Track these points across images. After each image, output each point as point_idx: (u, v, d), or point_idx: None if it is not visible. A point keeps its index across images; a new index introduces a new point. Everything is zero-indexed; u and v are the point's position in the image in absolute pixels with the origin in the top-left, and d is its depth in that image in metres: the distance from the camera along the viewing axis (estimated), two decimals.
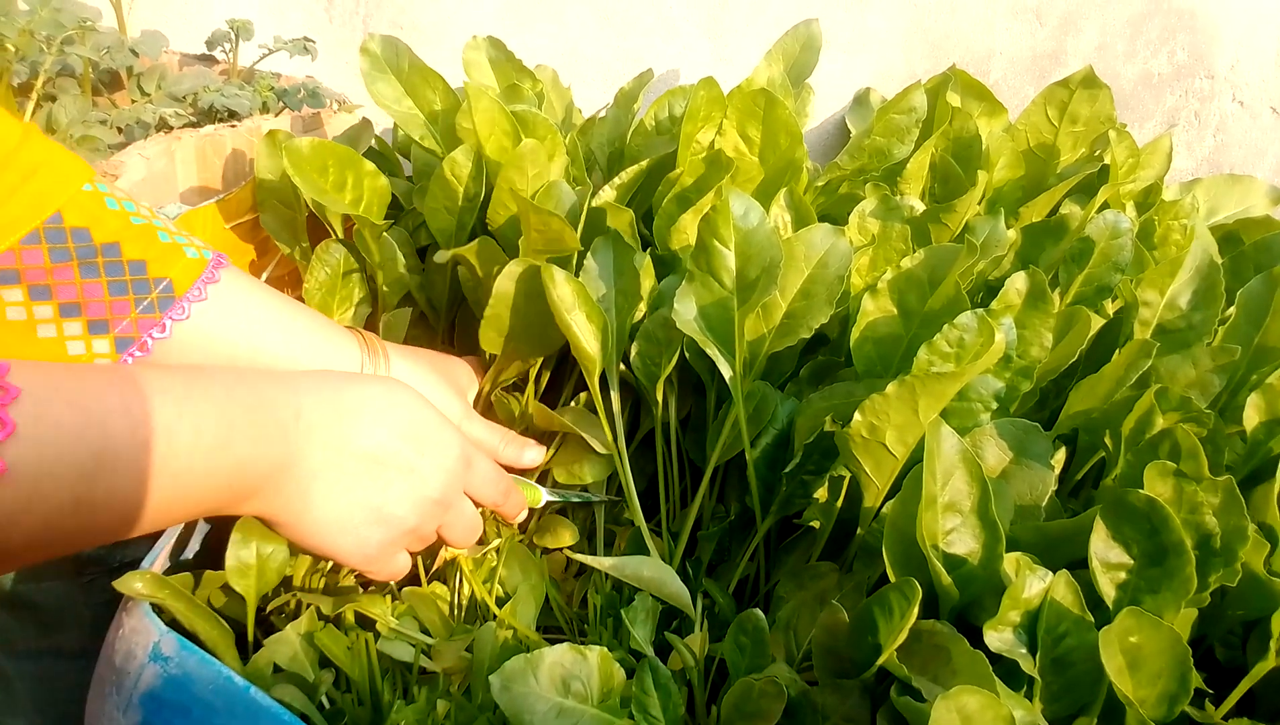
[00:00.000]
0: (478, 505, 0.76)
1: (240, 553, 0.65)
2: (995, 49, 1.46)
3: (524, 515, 0.83)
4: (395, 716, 0.64)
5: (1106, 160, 1.09)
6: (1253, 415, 0.71)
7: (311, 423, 0.61)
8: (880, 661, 0.58)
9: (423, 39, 1.43)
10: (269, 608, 0.71)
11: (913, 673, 0.60)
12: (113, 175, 0.83)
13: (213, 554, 0.80)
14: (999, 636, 0.58)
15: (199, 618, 0.61)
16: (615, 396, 0.81)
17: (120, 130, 0.97)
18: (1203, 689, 0.62)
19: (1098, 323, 0.88)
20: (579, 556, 0.81)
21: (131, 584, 0.58)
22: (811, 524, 0.77)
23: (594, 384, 0.78)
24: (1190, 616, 0.62)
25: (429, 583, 0.81)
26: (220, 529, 0.81)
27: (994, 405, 0.73)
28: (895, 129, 0.96)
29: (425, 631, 0.76)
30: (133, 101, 1.10)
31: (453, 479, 0.70)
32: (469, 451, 0.72)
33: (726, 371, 0.77)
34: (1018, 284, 0.74)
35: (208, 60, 1.28)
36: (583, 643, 0.80)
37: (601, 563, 0.80)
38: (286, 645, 0.66)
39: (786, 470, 0.77)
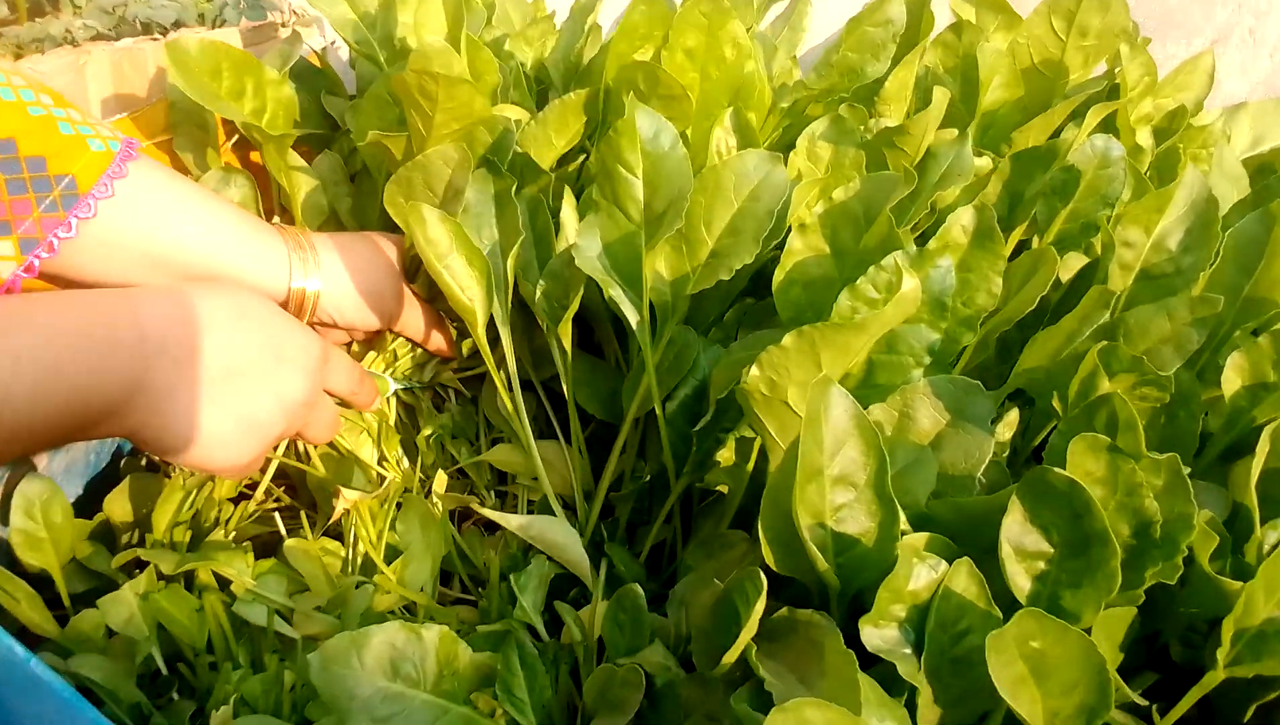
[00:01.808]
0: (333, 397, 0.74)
1: (25, 523, 0.59)
2: None
3: (377, 403, 0.80)
4: (223, 687, 0.58)
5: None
6: (1233, 378, 0.60)
7: (159, 340, 0.57)
8: (728, 659, 0.50)
9: None
10: (115, 563, 0.66)
11: (784, 668, 0.52)
12: None
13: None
14: (879, 633, 0.50)
15: None
16: (508, 347, 0.73)
17: (20, 47, 0.91)
18: (1136, 702, 0.53)
19: (1079, 265, 0.77)
20: (484, 511, 0.75)
21: None
22: (720, 489, 0.69)
23: (479, 336, 0.70)
24: (1126, 615, 0.53)
25: (321, 535, 0.76)
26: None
27: (926, 359, 0.63)
28: (869, 43, 0.85)
29: (305, 590, 0.70)
30: (62, 14, 1.04)
31: (315, 380, 0.67)
32: (326, 348, 0.69)
33: (633, 316, 0.68)
34: (963, 220, 0.64)
35: None
36: (477, 608, 0.74)
37: (509, 520, 0.73)
38: (122, 606, 0.61)
39: (697, 428, 0.68)
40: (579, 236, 0.67)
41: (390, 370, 0.84)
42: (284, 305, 0.73)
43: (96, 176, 0.65)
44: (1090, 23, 0.91)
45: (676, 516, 0.74)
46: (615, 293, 0.67)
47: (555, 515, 0.74)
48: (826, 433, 0.53)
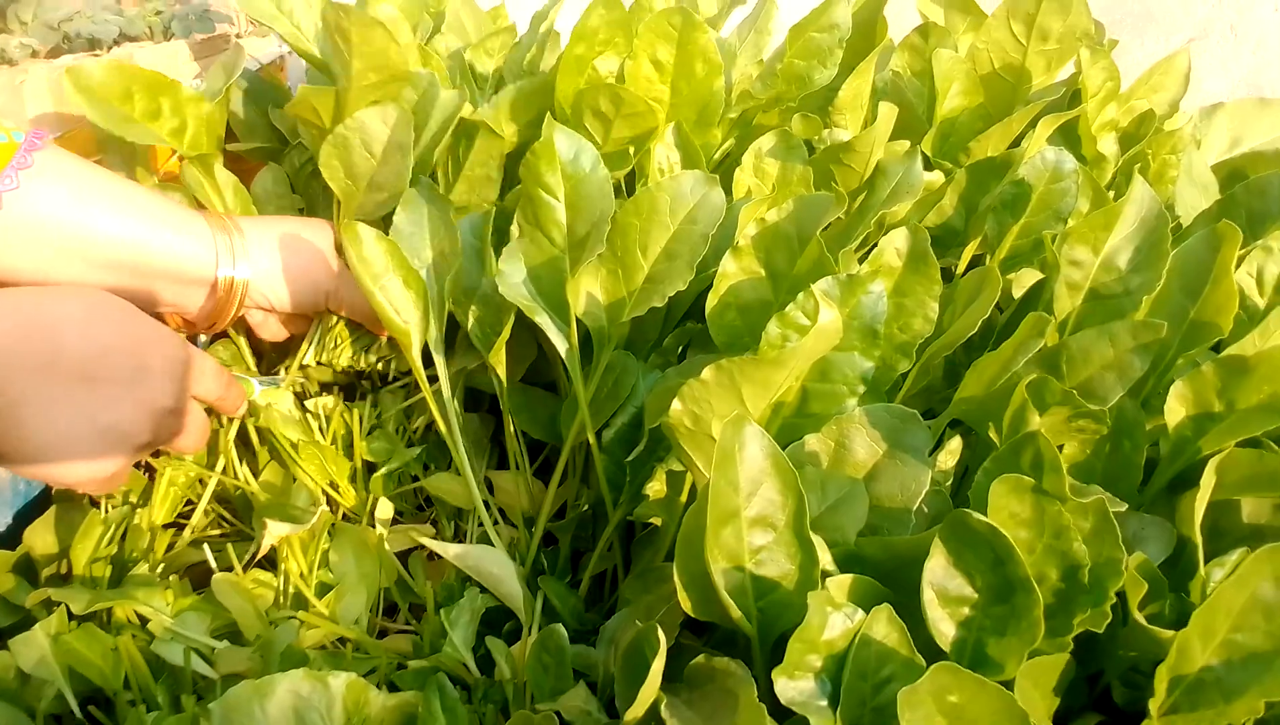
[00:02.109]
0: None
1: None
2: None
3: (243, 409, 0.78)
4: None
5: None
6: (1176, 408, 0.58)
7: (8, 349, 0.55)
8: (631, 714, 0.48)
9: None
10: (30, 601, 0.64)
11: (699, 718, 0.50)
12: None
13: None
14: (793, 685, 0.48)
15: None
16: (442, 372, 0.71)
17: None
18: None
19: (1033, 281, 0.74)
20: (423, 538, 0.73)
21: None
22: (654, 521, 0.67)
23: (413, 360, 0.68)
24: (1056, 662, 0.51)
25: (251, 568, 0.74)
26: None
27: (861, 388, 0.61)
28: (815, 50, 0.82)
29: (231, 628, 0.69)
30: (13, 31, 1.02)
31: (181, 386, 0.65)
32: (190, 351, 0.67)
33: (560, 344, 0.66)
34: (897, 242, 0.61)
35: None
36: (416, 637, 0.72)
37: (446, 549, 0.71)
38: (33, 648, 0.59)
39: (629, 458, 0.66)
40: (503, 263, 0.65)
41: (336, 353, 0.82)
42: (213, 293, 0.72)
43: (0, 168, 0.63)
44: (1051, 26, 0.88)
45: (617, 547, 0.72)
46: (542, 320, 0.65)
47: (494, 545, 0.72)
48: (741, 473, 0.51)
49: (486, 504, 0.82)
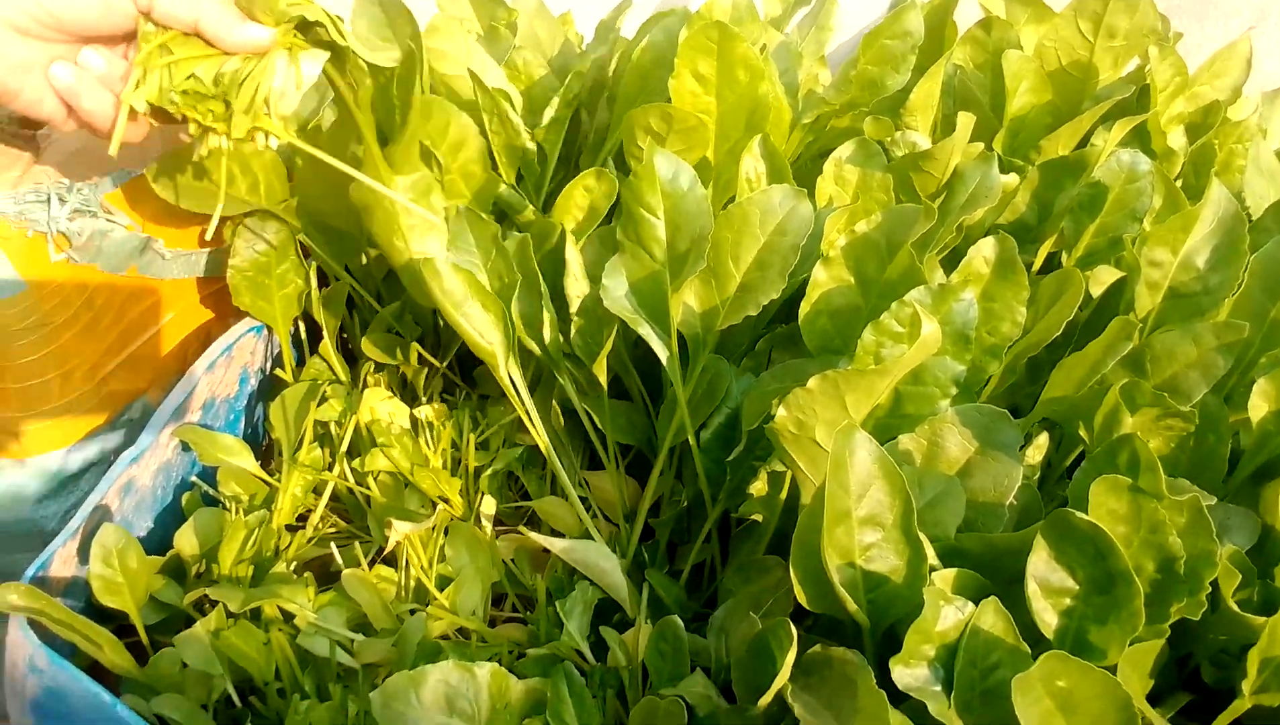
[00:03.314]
0: None
1: (103, 571, 0.63)
2: None
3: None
4: (293, 717, 0.62)
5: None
6: (1260, 404, 0.61)
7: None
8: (764, 701, 0.52)
9: None
10: (186, 600, 0.70)
11: (820, 704, 0.54)
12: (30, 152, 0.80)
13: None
14: (910, 672, 0.52)
15: (76, 628, 0.60)
16: (520, 382, 0.75)
17: None
18: None
19: (1111, 279, 0.77)
20: (530, 533, 0.78)
21: (6, 598, 0.58)
22: (755, 518, 0.71)
23: (503, 380, 0.73)
24: (1154, 648, 0.54)
25: (376, 565, 0.79)
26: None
27: (953, 390, 0.64)
28: (888, 56, 0.85)
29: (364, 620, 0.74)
30: None
31: None
32: None
33: (662, 353, 0.70)
34: (985, 251, 0.65)
35: None
36: (529, 627, 0.77)
37: (553, 544, 0.76)
38: (195, 644, 0.65)
39: (730, 458, 0.70)
40: (605, 278, 0.69)
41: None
42: None
43: None
44: (1118, 24, 0.90)
45: (715, 539, 0.77)
46: (644, 331, 0.69)
47: (595, 540, 0.77)
48: (852, 476, 0.55)
49: (586, 502, 0.87)
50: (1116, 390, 0.57)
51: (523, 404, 0.76)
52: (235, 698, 0.65)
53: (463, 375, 0.99)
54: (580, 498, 0.87)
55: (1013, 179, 0.80)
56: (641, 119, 0.79)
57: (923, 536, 0.57)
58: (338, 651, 0.69)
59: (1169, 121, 0.91)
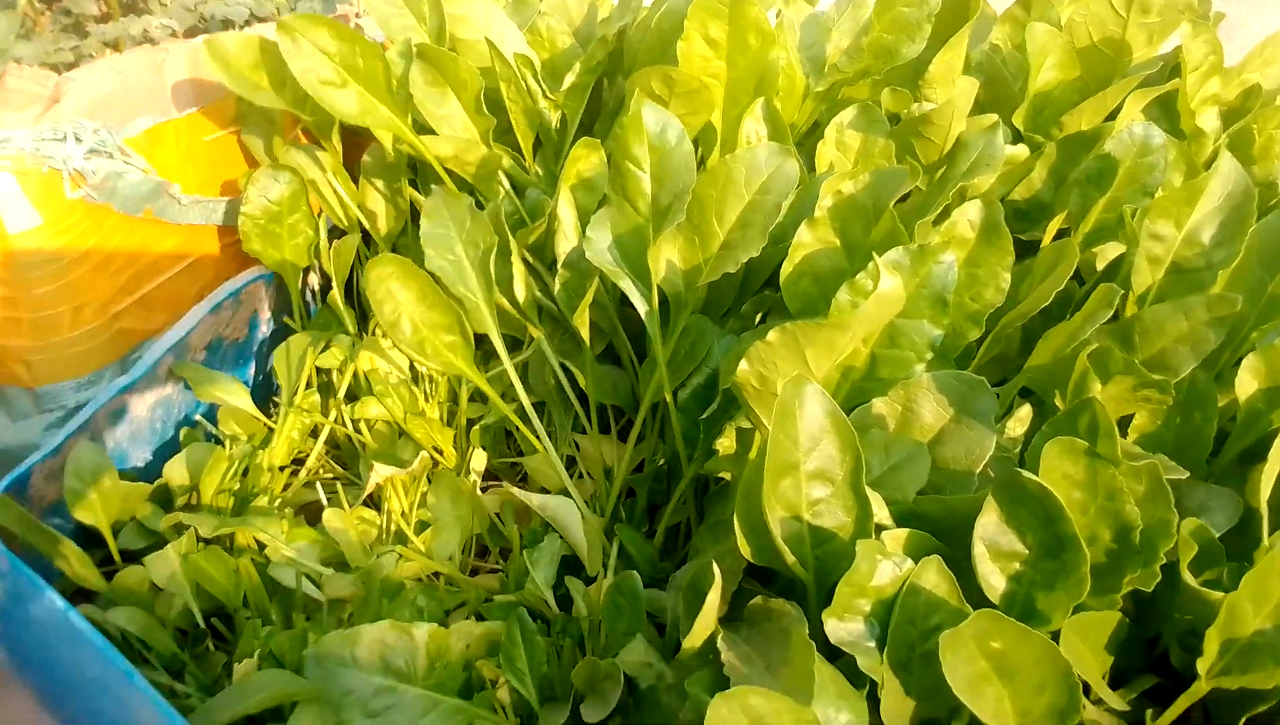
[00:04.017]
0: None
1: (75, 484, 0.65)
2: None
3: None
4: (250, 641, 0.63)
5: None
6: (1249, 381, 0.58)
7: None
8: (688, 644, 0.51)
9: None
10: (164, 524, 0.72)
11: (755, 653, 0.53)
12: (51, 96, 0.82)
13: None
14: (843, 626, 0.51)
15: (45, 540, 0.62)
16: (500, 345, 0.75)
17: (106, 45, 0.98)
18: (1115, 707, 0.52)
19: (1116, 254, 0.74)
20: (511, 488, 0.78)
21: None
22: (724, 475, 0.70)
23: (474, 376, 0.74)
24: (1107, 619, 0.52)
25: (358, 507, 0.80)
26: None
27: (929, 354, 0.62)
28: (903, 24, 0.83)
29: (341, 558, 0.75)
30: (154, 13, 1.11)
31: None
32: None
33: (642, 306, 0.70)
34: (970, 214, 0.63)
35: None
36: (503, 576, 0.77)
37: (530, 499, 0.76)
38: (164, 564, 0.67)
39: (703, 416, 0.70)
40: (590, 230, 0.69)
41: None
42: None
43: None
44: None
45: (690, 500, 0.76)
46: (625, 284, 0.69)
47: (572, 497, 0.76)
48: (801, 429, 0.53)
49: (572, 460, 0.87)
50: (1084, 356, 0.55)
51: (498, 393, 0.77)
52: (200, 619, 0.67)
53: None
54: (569, 457, 0.87)
55: (1022, 150, 0.78)
56: (644, 81, 0.78)
57: (876, 496, 0.56)
58: (305, 584, 0.69)
59: (1202, 102, 0.87)
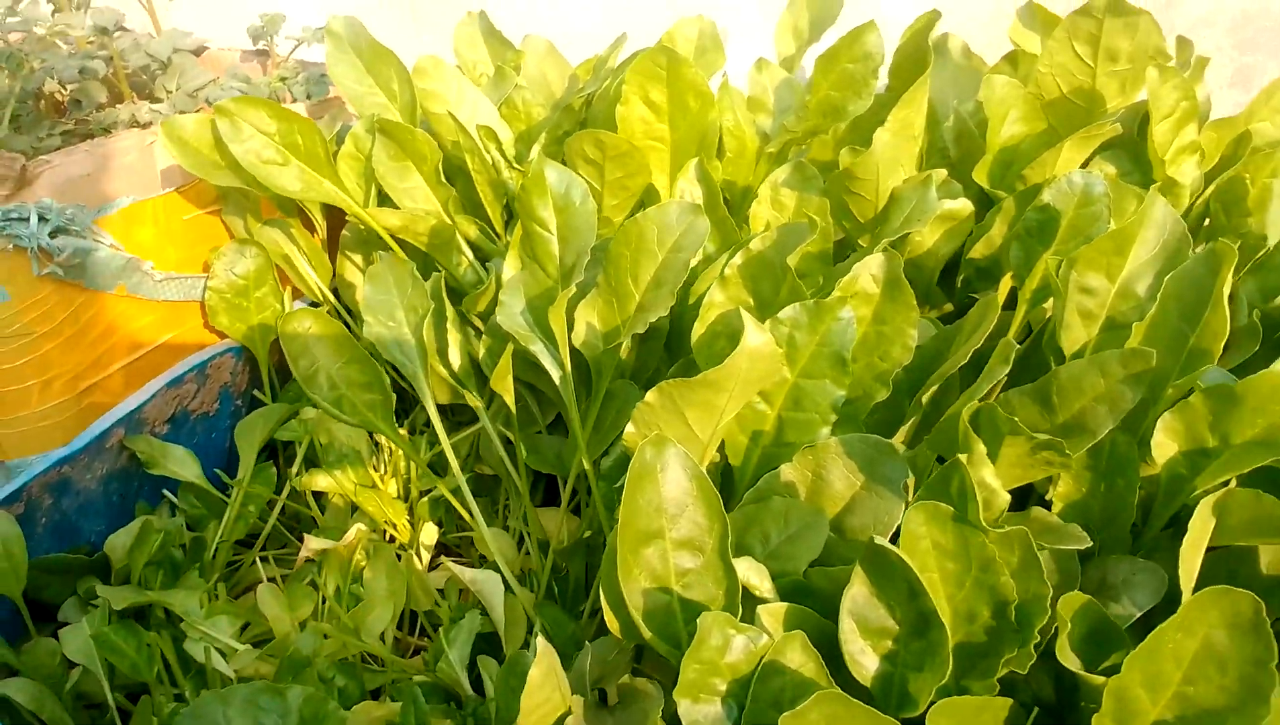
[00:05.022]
0: None
1: None
2: None
3: None
4: (147, 717, 0.62)
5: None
6: (1166, 443, 0.53)
7: None
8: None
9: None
10: (82, 589, 0.72)
11: None
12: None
13: None
14: (695, 708, 0.47)
15: None
16: (434, 416, 0.74)
17: (103, 130, 1.03)
18: None
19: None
20: (451, 565, 0.77)
21: None
22: None
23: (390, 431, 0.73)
24: (982, 705, 0.47)
25: (294, 580, 0.79)
26: None
27: (833, 417, 0.59)
28: (848, 80, 0.81)
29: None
30: (161, 99, 1.16)
31: None
32: None
33: (554, 371, 0.68)
34: (872, 268, 0.60)
35: (262, 55, 1.33)
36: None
37: (463, 573, 0.75)
38: (76, 637, 0.67)
39: (617, 484, 0.67)
40: (504, 294, 0.68)
41: None
42: None
43: None
44: (1119, 45, 0.83)
45: None
46: (536, 348, 0.67)
47: (499, 571, 0.74)
48: (665, 494, 0.51)
49: (524, 536, 0.85)
50: (965, 415, 0.51)
51: (442, 433, 0.76)
52: (108, 693, 0.66)
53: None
54: (521, 531, 0.85)
55: (963, 205, 0.74)
56: (577, 146, 0.78)
57: (760, 567, 0.52)
58: (217, 659, 0.69)
59: (1177, 152, 0.83)
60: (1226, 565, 0.54)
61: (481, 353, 0.74)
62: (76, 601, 0.75)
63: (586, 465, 0.69)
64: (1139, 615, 0.51)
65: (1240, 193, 0.86)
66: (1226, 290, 0.54)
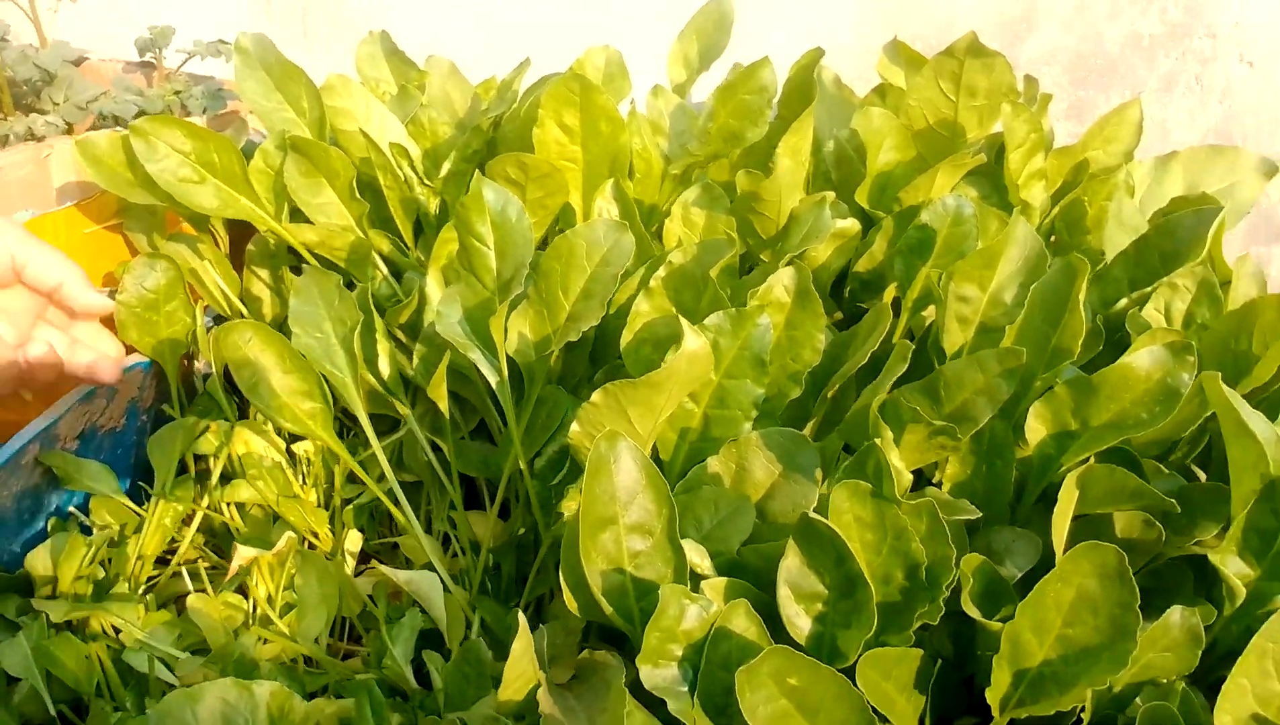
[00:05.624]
0: None
1: None
2: (956, 16, 1.35)
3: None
4: None
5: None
6: (1037, 427, 0.62)
7: None
8: (503, 694, 0.53)
9: (362, 35, 1.43)
10: (14, 613, 0.72)
11: (581, 707, 0.55)
12: None
13: None
14: (656, 672, 0.53)
15: None
16: (365, 424, 0.78)
17: None
18: None
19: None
20: (379, 566, 0.80)
21: None
22: None
23: (330, 441, 0.76)
24: (904, 655, 0.55)
25: (225, 592, 0.80)
26: None
27: (754, 413, 0.66)
28: (746, 110, 0.89)
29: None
30: (48, 111, 1.14)
31: None
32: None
33: (492, 377, 0.73)
34: (784, 281, 0.67)
35: (148, 67, 1.31)
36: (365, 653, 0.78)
37: (397, 575, 0.78)
38: (16, 651, 0.67)
39: (554, 482, 0.72)
40: (441, 305, 0.72)
41: None
42: None
43: None
44: (977, 83, 0.94)
45: (551, 568, 0.78)
46: (475, 356, 0.72)
47: (436, 572, 0.78)
48: (618, 483, 0.56)
49: (449, 537, 0.89)
50: (874, 407, 0.59)
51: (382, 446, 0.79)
52: (50, 706, 0.67)
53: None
54: (445, 534, 0.88)
55: (852, 224, 0.83)
56: (500, 168, 0.83)
57: (700, 547, 0.59)
58: (160, 669, 0.70)
59: (1028, 178, 0.94)
60: (1089, 531, 0.63)
61: (415, 361, 0.78)
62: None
63: (523, 466, 0.73)
64: (1020, 575, 0.60)
65: (1080, 214, 0.98)
66: (1082, 297, 0.64)
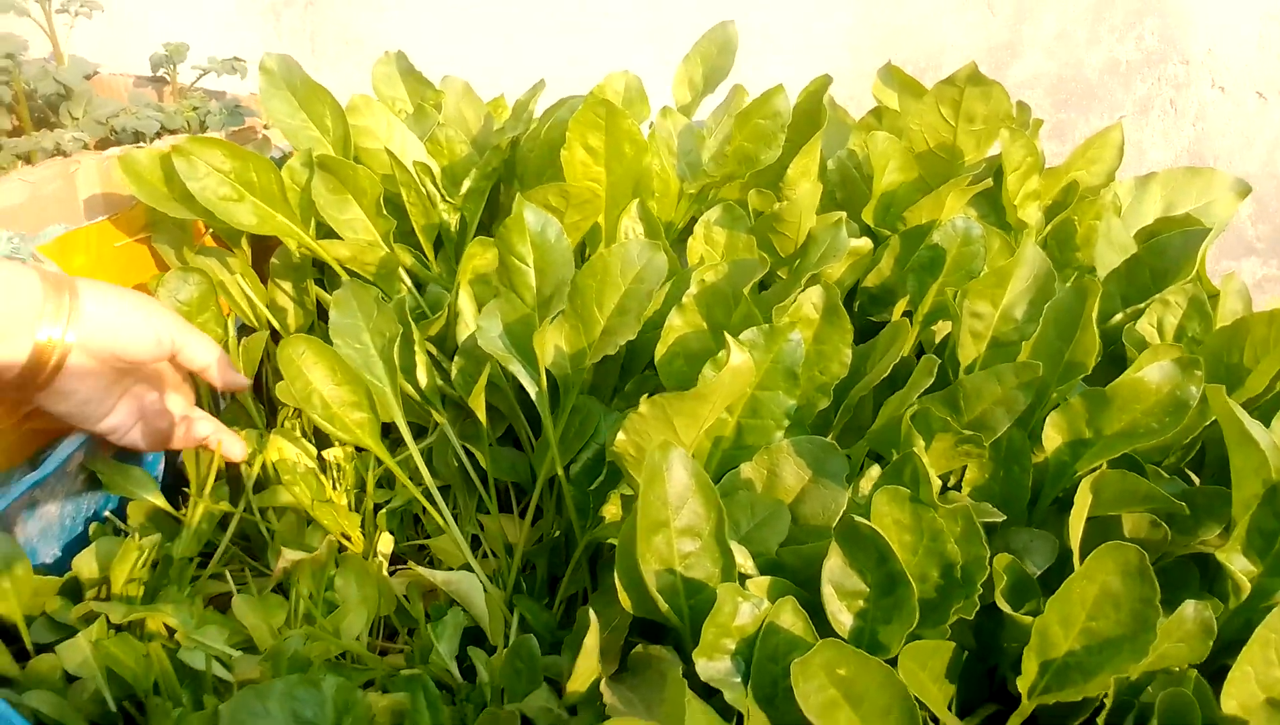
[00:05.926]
0: None
1: None
2: (946, 42, 1.40)
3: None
4: (162, 722, 0.65)
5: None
6: (1053, 436, 0.67)
7: None
8: (571, 685, 0.57)
9: (368, 53, 1.46)
10: (74, 614, 0.74)
11: (636, 697, 0.59)
12: None
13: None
14: (711, 664, 0.57)
15: None
16: (405, 431, 0.81)
17: (18, 158, 1.02)
18: None
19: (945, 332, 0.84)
20: (414, 567, 0.83)
21: None
22: (612, 541, 0.76)
23: (378, 449, 0.79)
24: (940, 647, 0.59)
25: (269, 591, 0.83)
26: None
27: (786, 423, 0.70)
28: (761, 134, 0.94)
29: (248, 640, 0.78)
30: (65, 125, 1.16)
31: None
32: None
33: (531, 388, 0.76)
34: (813, 298, 0.72)
35: (159, 82, 1.33)
36: (408, 650, 0.81)
37: (434, 576, 0.81)
38: (76, 652, 0.69)
39: (592, 487, 0.76)
40: (481, 320, 0.76)
41: None
42: (34, 353, 0.72)
43: None
44: (975, 109, 0.99)
45: (585, 568, 0.82)
46: (515, 367, 0.75)
47: (474, 572, 0.81)
48: (670, 489, 0.60)
49: (477, 539, 0.92)
50: (908, 417, 0.63)
51: (403, 471, 0.82)
52: (111, 703, 0.69)
53: None
54: (474, 536, 0.92)
55: (865, 243, 0.88)
56: (540, 196, 0.87)
57: (741, 548, 0.63)
58: (215, 666, 0.73)
59: (1024, 199, 1.00)
60: (1099, 531, 0.68)
61: (454, 372, 0.81)
62: (46, 622, 0.77)
63: (560, 472, 0.77)
64: (1039, 574, 0.65)
65: (1070, 232, 1.04)
66: (1094, 315, 0.69)
